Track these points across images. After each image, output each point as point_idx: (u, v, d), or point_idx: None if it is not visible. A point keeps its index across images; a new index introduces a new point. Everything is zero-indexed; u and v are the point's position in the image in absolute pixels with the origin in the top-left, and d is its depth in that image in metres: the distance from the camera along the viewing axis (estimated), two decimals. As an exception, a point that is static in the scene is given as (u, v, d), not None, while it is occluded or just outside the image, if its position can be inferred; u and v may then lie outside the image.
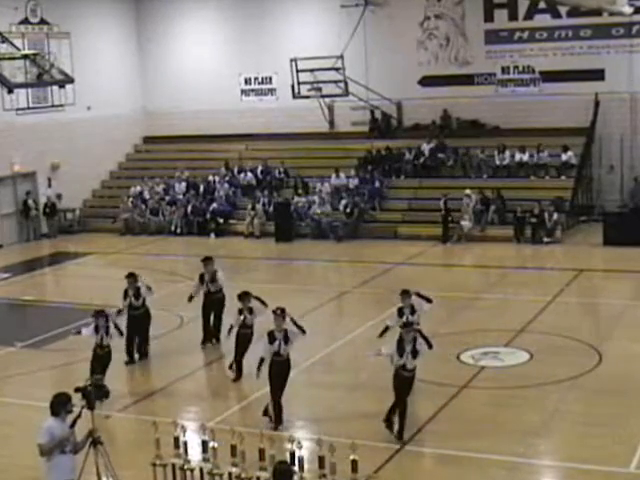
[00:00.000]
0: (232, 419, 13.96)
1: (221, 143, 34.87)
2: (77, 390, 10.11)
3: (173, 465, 10.84)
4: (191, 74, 35.58)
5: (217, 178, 32.95)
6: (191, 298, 18.33)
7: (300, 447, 10.39)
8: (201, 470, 10.77)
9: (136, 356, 17.52)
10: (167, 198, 32.60)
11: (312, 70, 31.61)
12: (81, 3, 34.00)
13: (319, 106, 32.92)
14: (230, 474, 10.63)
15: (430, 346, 13.34)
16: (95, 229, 33.00)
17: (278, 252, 28.43)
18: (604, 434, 13.09)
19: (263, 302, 16.16)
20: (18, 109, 31.25)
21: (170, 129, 35.99)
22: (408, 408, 13.24)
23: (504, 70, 31.43)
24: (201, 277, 18.31)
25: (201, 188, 32.65)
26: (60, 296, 24.10)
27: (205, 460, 10.83)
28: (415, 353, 13.10)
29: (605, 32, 29.78)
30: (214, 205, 31.52)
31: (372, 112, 32.82)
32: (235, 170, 33.36)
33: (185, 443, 10.87)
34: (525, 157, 29.72)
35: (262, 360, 13.82)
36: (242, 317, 16.02)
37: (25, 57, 27.10)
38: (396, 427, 13.17)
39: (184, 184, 33.00)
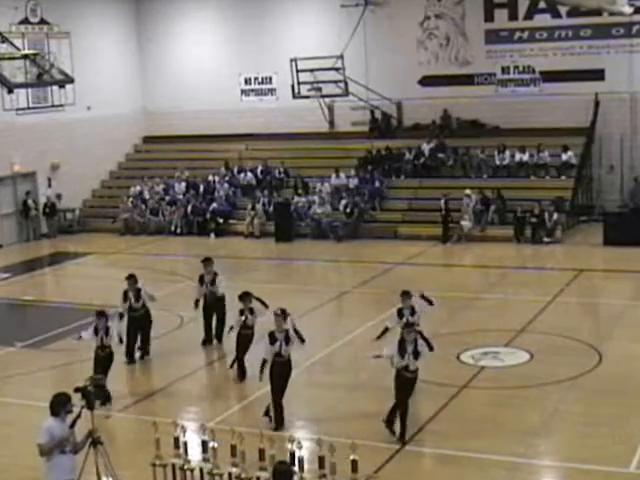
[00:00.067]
0: (232, 419, 13.95)
1: (221, 143, 34.87)
2: (77, 390, 10.11)
3: (173, 465, 10.84)
4: (191, 74, 35.58)
5: (217, 178, 32.94)
6: (197, 302, 18.27)
7: (300, 447, 10.39)
8: (201, 470, 10.76)
9: (137, 354, 17.48)
10: (167, 198, 32.60)
11: (312, 70, 31.62)
12: (81, 3, 34.00)
13: (319, 106, 32.92)
14: (230, 474, 10.62)
15: (431, 348, 13.29)
16: (95, 229, 32.99)
17: (278, 252, 28.43)
18: (604, 434, 13.09)
19: (264, 303, 16.15)
20: (18, 109, 31.25)
21: (170, 129, 36.00)
22: (409, 409, 13.21)
23: (504, 70, 31.43)
24: (201, 278, 18.25)
25: (201, 188, 32.64)
26: (60, 296, 24.09)
27: (205, 460, 10.83)
28: (417, 354, 13.06)
29: (605, 32, 29.78)
30: (214, 205, 31.52)
31: (372, 112, 32.81)
32: (235, 170, 33.35)
33: (185, 443, 10.87)
34: (525, 157, 29.71)
35: (265, 362, 13.79)
36: (243, 318, 16.01)
37: (25, 57, 27.10)
38: (397, 429, 13.12)
39: (184, 184, 32.99)
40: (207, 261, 18.37)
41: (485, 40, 31.61)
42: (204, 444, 10.83)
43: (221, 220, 31.14)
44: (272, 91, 35.01)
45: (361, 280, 23.71)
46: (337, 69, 31.54)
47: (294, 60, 31.66)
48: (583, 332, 18.11)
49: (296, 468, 10.23)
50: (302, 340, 14.04)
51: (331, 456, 10.23)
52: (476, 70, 31.74)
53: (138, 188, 33.27)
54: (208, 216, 31.26)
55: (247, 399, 15.35)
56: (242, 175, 33.00)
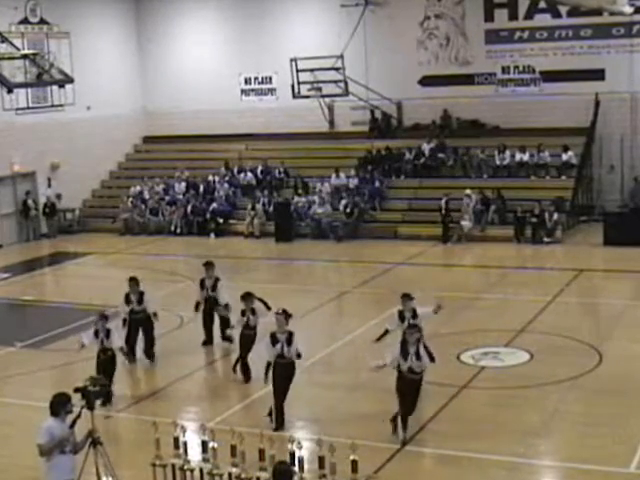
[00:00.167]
0: (232, 419, 13.94)
1: (221, 143, 34.87)
2: (77, 390, 10.10)
3: (173, 465, 10.82)
4: (191, 74, 35.58)
5: (217, 178, 32.94)
6: (198, 306, 18.19)
7: (300, 447, 10.37)
8: (201, 470, 10.75)
9: (141, 355, 17.41)
10: (167, 198, 32.60)
11: (312, 70, 31.61)
12: (81, 3, 34.00)
13: (319, 106, 32.93)
14: (230, 474, 10.61)
15: (432, 359, 13.15)
16: (95, 229, 32.99)
17: (278, 252, 28.42)
18: (604, 434, 13.08)
19: (267, 305, 16.11)
20: (18, 109, 31.25)
21: (170, 129, 36.00)
22: (414, 412, 13.14)
23: (504, 70, 31.43)
24: (202, 282, 18.13)
25: (201, 188, 32.64)
26: (60, 296, 24.09)
27: (205, 460, 10.82)
28: (419, 356, 12.93)
29: (605, 32, 29.78)
30: (214, 205, 31.51)
31: (372, 112, 32.81)
32: (235, 170, 33.35)
33: (185, 443, 10.86)
34: (525, 157, 29.71)
35: (269, 364, 13.76)
36: (245, 318, 15.99)
37: (25, 57, 27.11)
38: (400, 433, 13.05)
39: (184, 184, 32.99)
40: (208, 265, 18.20)
41: (485, 40, 31.61)
42: (204, 444, 10.82)
43: (221, 220, 31.13)
44: (272, 91, 35.01)
45: (361, 280, 23.71)
46: (337, 69, 31.54)
47: (294, 60, 31.65)
48: (583, 332, 18.10)
49: (296, 468, 10.22)
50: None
51: (331, 456, 10.21)
52: (476, 70, 31.73)
53: (138, 188, 33.27)
54: (208, 216, 31.26)
55: (247, 399, 15.35)
56: (242, 175, 33.00)
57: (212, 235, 30.84)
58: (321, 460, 10.32)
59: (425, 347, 13.19)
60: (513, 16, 31.18)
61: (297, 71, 31.82)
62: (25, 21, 32.26)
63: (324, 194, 30.44)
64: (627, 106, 29.70)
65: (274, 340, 13.73)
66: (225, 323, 17.68)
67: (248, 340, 16.03)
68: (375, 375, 15.11)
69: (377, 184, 30.61)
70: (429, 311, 15.29)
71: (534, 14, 30.90)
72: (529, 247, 27.11)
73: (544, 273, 24.30)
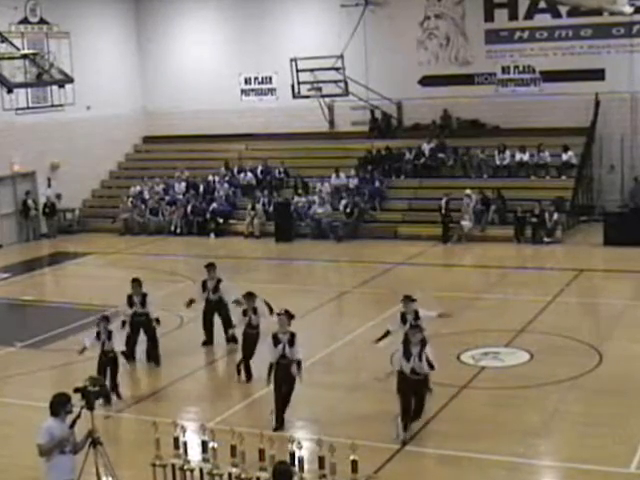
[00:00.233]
0: (232, 419, 13.92)
1: (221, 143, 34.86)
2: (76, 390, 10.10)
3: (173, 465, 10.82)
4: (191, 74, 35.58)
5: (217, 178, 32.94)
6: (191, 303, 18.17)
7: (300, 447, 10.37)
8: (201, 470, 10.75)
9: (140, 356, 17.38)
10: (167, 198, 32.59)
11: (312, 70, 31.62)
12: (81, 3, 33.99)
13: (319, 106, 32.92)
14: (230, 474, 10.61)
15: (432, 367, 13.08)
16: (95, 229, 32.98)
17: (278, 252, 28.42)
18: (604, 434, 13.07)
19: (269, 306, 16.08)
20: (18, 109, 31.24)
21: (170, 129, 36.00)
22: (408, 410, 13.11)
23: (504, 70, 31.42)
24: (204, 284, 18.06)
25: (201, 188, 32.64)
26: (60, 296, 24.08)
27: (205, 460, 10.81)
28: (422, 357, 12.85)
29: (605, 32, 29.77)
30: (214, 205, 31.51)
31: (372, 112, 32.81)
32: (235, 170, 33.35)
33: (185, 443, 10.86)
34: (525, 157, 29.70)
35: (272, 365, 13.74)
36: (247, 318, 15.97)
37: (24, 57, 27.11)
38: (401, 433, 13.03)
39: (184, 184, 32.99)
40: (210, 267, 18.12)
41: (485, 40, 31.60)
42: (204, 444, 10.82)
43: (221, 220, 31.13)
44: (272, 91, 35.01)
45: (361, 280, 23.70)
46: (337, 69, 31.54)
47: (294, 60, 31.66)
48: (583, 332, 18.10)
49: (296, 468, 10.22)
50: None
51: (331, 456, 10.21)
52: (476, 70, 31.73)
53: (138, 188, 33.27)
54: (208, 216, 31.25)
55: (247, 399, 15.34)
56: (242, 175, 33.00)
57: (212, 235, 30.83)
58: (321, 460, 10.32)
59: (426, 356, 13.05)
60: (513, 16, 31.17)
61: (297, 71, 31.82)
62: (25, 21, 32.26)
63: (324, 194, 30.43)
64: (627, 106, 29.69)
65: (276, 341, 13.70)
66: (227, 324, 17.67)
67: (251, 340, 16.00)
68: (375, 375, 15.12)
69: (377, 184, 30.60)
70: (432, 314, 15.20)
71: (534, 14, 30.89)
72: (529, 247, 27.10)
73: (544, 273, 24.30)
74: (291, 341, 13.65)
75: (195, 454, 11.03)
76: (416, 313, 14.85)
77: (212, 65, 35.42)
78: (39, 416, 10.68)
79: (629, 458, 12.25)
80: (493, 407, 14.51)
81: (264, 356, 14.29)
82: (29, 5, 32.49)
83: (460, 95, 31.57)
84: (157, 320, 17.19)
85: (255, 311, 15.94)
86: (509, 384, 15.44)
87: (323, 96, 32.33)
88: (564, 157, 29.24)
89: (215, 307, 18.00)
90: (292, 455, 10.33)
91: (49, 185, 32.87)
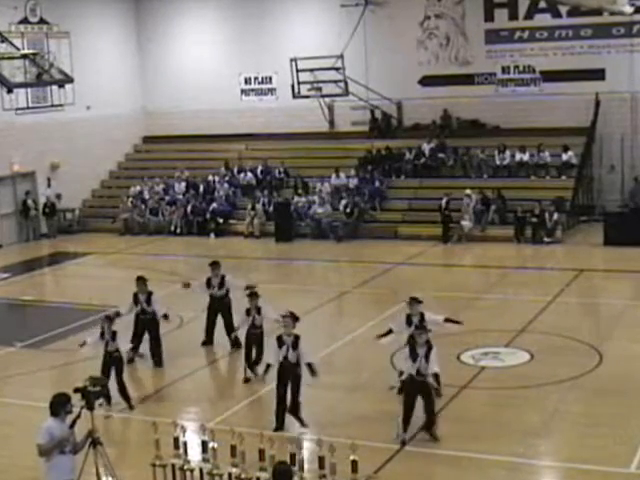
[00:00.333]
0: (232, 419, 13.92)
1: (221, 143, 34.86)
2: (76, 390, 10.10)
3: (173, 465, 10.82)
4: (191, 74, 35.57)
5: (217, 178, 32.93)
6: (187, 285, 18.10)
7: (300, 447, 10.36)
8: (201, 470, 10.74)
9: (144, 353, 17.36)
10: (167, 198, 32.58)
11: (312, 70, 31.61)
12: (81, 3, 33.99)
13: (319, 106, 32.91)
14: (230, 474, 10.60)
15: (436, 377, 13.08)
16: (94, 229, 32.98)
17: (278, 252, 28.41)
18: (604, 434, 13.07)
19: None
20: (18, 109, 31.22)
21: (170, 129, 35.99)
22: (411, 411, 13.06)
23: (504, 70, 31.42)
24: (208, 281, 17.99)
25: (201, 188, 32.63)
26: (60, 296, 24.08)
27: (205, 460, 10.81)
28: (429, 358, 12.80)
29: (606, 32, 29.76)
30: (214, 205, 31.50)
31: (372, 112, 32.80)
32: (235, 170, 33.34)
33: (185, 443, 10.85)
34: (525, 157, 29.70)
35: (268, 366, 13.73)
36: (251, 317, 15.94)
37: (24, 57, 27.11)
38: (400, 433, 13.02)
39: (184, 184, 32.98)
40: (214, 265, 18.07)
41: (485, 40, 31.59)
42: (204, 444, 10.81)
43: (221, 220, 31.12)
44: (272, 91, 35.00)
45: (361, 280, 23.70)
46: (337, 69, 31.53)
47: (294, 60, 31.65)
48: (583, 332, 18.09)
49: (296, 468, 10.21)
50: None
51: (331, 456, 10.21)
52: (476, 70, 31.72)
53: (138, 188, 33.26)
54: (208, 216, 31.24)
55: (247, 399, 15.33)
56: (242, 175, 32.99)
57: (212, 235, 30.83)
58: (321, 460, 10.31)
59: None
60: (513, 16, 31.16)
61: (297, 71, 31.82)
62: (25, 21, 32.24)
63: (324, 194, 30.43)
64: (627, 106, 29.69)
65: (280, 342, 13.65)
66: (229, 328, 17.63)
67: (253, 340, 15.97)
68: (375, 375, 15.15)
69: (377, 184, 30.59)
70: (439, 319, 15.01)
71: (534, 14, 30.88)
72: (529, 247, 27.09)
73: (544, 273, 24.29)
74: (295, 344, 13.59)
75: (195, 454, 11.02)
76: (421, 315, 14.72)
77: (212, 65, 35.41)
78: (39, 416, 10.68)
79: (629, 458, 12.24)
80: (493, 407, 14.51)
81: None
82: (29, 5, 32.48)
83: (460, 95, 31.56)
84: (165, 315, 17.15)
85: (259, 311, 15.92)
86: (509, 384, 15.44)
87: (323, 96, 32.33)
88: (564, 157, 29.24)
89: (219, 304, 17.93)
90: (292, 456, 10.31)
91: (49, 185, 32.86)
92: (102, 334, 15.17)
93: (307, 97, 32.07)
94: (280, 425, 13.62)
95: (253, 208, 30.68)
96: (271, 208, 30.65)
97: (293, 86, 32.04)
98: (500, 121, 31.16)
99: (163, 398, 15.74)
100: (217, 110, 34.90)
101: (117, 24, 36.02)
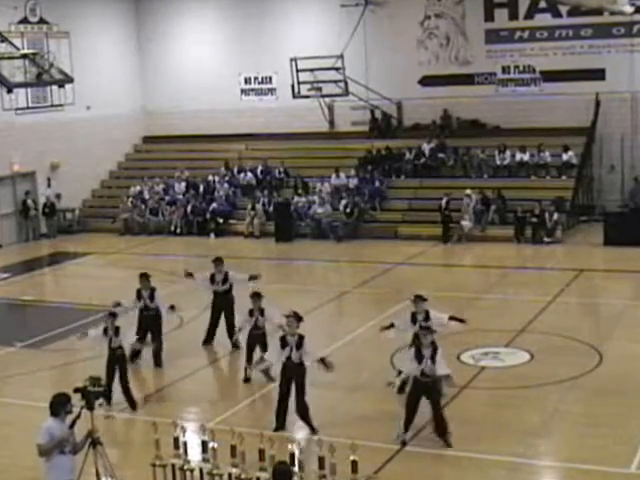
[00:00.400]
0: (232, 419, 13.92)
1: (221, 143, 34.85)
2: (76, 390, 10.10)
3: (173, 465, 10.81)
4: (191, 74, 35.57)
5: (217, 178, 32.93)
6: (189, 275, 18.15)
7: (300, 447, 10.36)
8: (201, 470, 10.74)
9: (147, 356, 17.34)
10: (167, 198, 32.58)
11: (312, 70, 31.61)
12: (81, 3, 33.98)
13: (319, 106, 32.91)
14: (230, 474, 10.60)
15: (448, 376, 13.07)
16: (94, 229, 32.97)
17: (278, 252, 28.41)
18: (604, 434, 13.06)
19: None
20: (17, 109, 31.20)
21: (170, 129, 35.99)
22: (414, 413, 13.02)
23: (504, 70, 31.41)
24: (212, 277, 17.99)
25: (201, 188, 32.63)
26: (60, 296, 24.08)
27: (205, 460, 10.80)
28: (434, 360, 12.75)
29: (606, 32, 29.76)
30: (214, 205, 31.50)
31: (372, 112, 32.80)
32: (235, 170, 33.34)
33: (185, 443, 10.85)
34: (526, 157, 29.69)
35: (261, 358, 13.73)
36: (254, 318, 15.92)
37: (24, 57, 27.14)
38: (401, 433, 13.02)
39: (184, 184, 32.98)
40: (218, 261, 18.10)
41: (485, 40, 31.59)
42: (204, 444, 10.81)
43: (221, 220, 31.12)
44: (272, 91, 34.99)
45: (361, 280, 23.69)
46: (337, 69, 31.53)
47: (294, 60, 31.65)
48: (583, 332, 18.09)
49: (296, 468, 10.21)
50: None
51: (331, 456, 10.20)
52: (476, 70, 31.72)
53: (138, 188, 33.26)
54: (208, 216, 31.24)
55: (247, 399, 15.33)
56: (242, 175, 32.99)
57: (212, 235, 30.82)
58: (321, 460, 10.30)
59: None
60: (513, 16, 31.16)
61: (297, 71, 31.81)
62: (25, 21, 32.23)
63: (324, 194, 30.42)
64: (627, 106, 29.69)
65: (284, 343, 13.62)
66: (231, 329, 17.59)
67: (257, 340, 15.96)
68: (375, 375, 15.14)
69: (377, 184, 30.59)
70: (444, 317, 14.91)
71: (534, 14, 30.88)
72: (529, 247, 27.09)
73: (544, 273, 24.28)
74: (299, 344, 13.54)
75: (195, 454, 11.02)
76: (427, 313, 14.68)
77: (212, 65, 35.41)
78: (39, 416, 10.67)
79: (629, 458, 12.24)
80: (493, 407, 14.50)
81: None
82: (29, 5, 32.48)
83: (460, 95, 31.56)
84: (172, 307, 17.11)
85: (262, 312, 15.87)
86: (509, 384, 15.43)
87: (323, 96, 32.32)
88: (564, 157, 29.23)
89: (223, 300, 17.91)
90: (292, 456, 10.31)
91: (49, 185, 32.85)
92: (105, 330, 15.06)
93: (307, 97, 32.07)
94: (280, 425, 13.61)
95: (253, 208, 30.68)
96: (271, 208, 30.64)
97: (293, 86, 32.04)
98: (500, 121, 31.16)
99: (163, 398, 15.74)
100: (217, 110, 34.90)
101: (117, 24, 36.01)
